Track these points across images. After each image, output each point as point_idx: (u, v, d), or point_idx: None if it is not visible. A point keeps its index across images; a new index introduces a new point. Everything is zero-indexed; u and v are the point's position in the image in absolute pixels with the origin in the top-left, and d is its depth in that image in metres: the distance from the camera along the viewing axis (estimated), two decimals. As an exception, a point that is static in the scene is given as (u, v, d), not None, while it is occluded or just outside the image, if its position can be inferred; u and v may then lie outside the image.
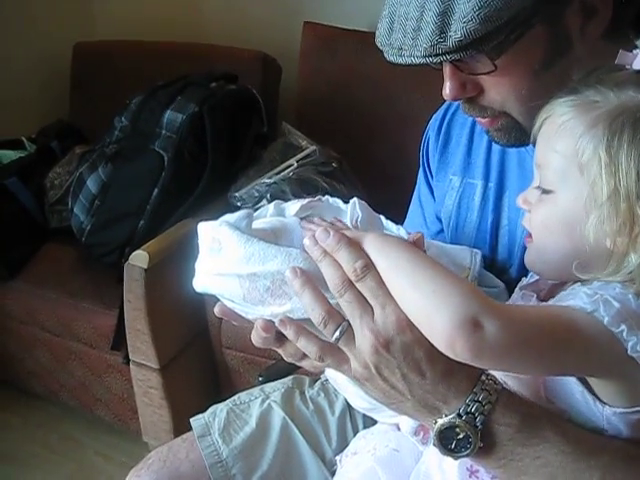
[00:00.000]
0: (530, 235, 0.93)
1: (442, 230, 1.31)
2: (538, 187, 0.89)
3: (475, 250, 1.15)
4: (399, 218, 1.38)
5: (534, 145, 0.92)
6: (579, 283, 0.85)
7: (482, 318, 0.73)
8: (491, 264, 1.20)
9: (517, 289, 1.01)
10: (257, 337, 0.94)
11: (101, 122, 2.50)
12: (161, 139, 2.25)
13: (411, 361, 0.80)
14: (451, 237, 1.27)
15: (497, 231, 1.21)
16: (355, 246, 0.83)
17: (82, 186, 2.33)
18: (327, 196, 1.11)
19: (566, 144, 0.84)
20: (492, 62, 0.95)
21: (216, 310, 0.96)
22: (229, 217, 0.93)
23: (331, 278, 0.84)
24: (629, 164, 0.78)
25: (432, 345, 0.77)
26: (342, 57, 2.56)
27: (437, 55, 0.93)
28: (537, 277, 1.00)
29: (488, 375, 0.82)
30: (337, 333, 0.83)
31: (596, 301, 0.77)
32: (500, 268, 1.19)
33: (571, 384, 0.84)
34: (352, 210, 1.01)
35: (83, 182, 2.33)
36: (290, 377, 1.38)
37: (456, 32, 0.90)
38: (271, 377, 1.40)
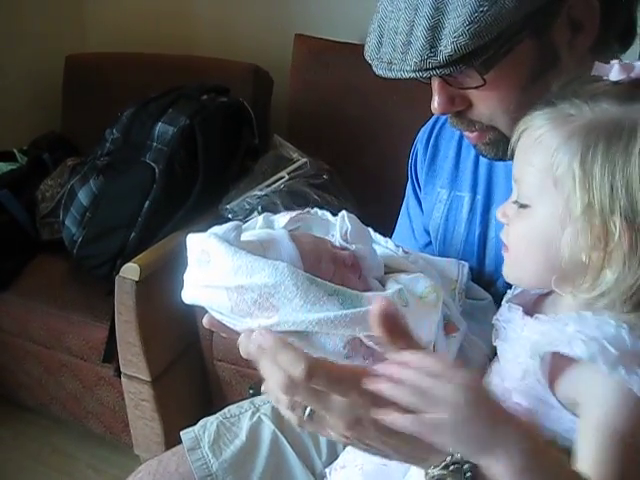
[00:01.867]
0: (506, 246, 0.93)
1: (430, 242, 1.31)
2: (515, 202, 0.89)
3: (462, 262, 1.16)
4: (389, 229, 1.39)
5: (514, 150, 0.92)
6: (566, 303, 0.85)
7: None
8: (479, 276, 1.20)
9: (504, 302, 1.02)
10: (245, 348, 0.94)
11: (93, 134, 2.50)
12: (152, 151, 2.25)
13: (387, 430, 0.75)
14: (439, 249, 1.28)
15: (485, 243, 1.21)
16: (293, 350, 0.75)
17: (73, 198, 2.32)
18: (316, 209, 1.12)
19: (541, 158, 0.84)
20: (481, 76, 0.96)
21: (204, 321, 0.96)
22: (218, 229, 0.94)
23: (275, 380, 0.76)
24: (603, 179, 0.78)
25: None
26: (333, 69, 2.57)
27: (427, 70, 0.94)
28: (522, 288, 1.00)
29: None
30: (306, 414, 0.79)
31: (593, 352, 0.77)
32: (487, 280, 1.20)
33: (559, 411, 0.85)
34: (341, 223, 1.02)
35: (74, 194, 2.33)
36: (280, 390, 1.38)
37: (446, 47, 0.91)
38: (261, 390, 1.40)
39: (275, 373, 0.76)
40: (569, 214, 0.81)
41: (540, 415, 0.86)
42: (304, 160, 2.28)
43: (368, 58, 1.02)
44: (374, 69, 1.01)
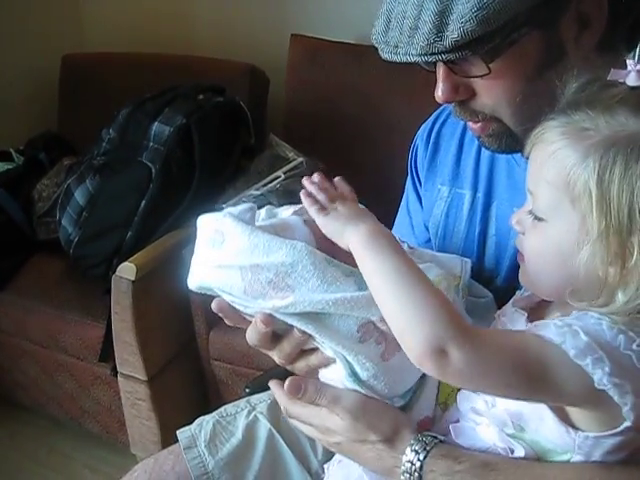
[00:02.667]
0: (522, 255, 0.92)
1: (430, 239, 1.31)
2: (530, 212, 0.88)
3: (465, 259, 1.14)
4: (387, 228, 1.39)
5: (526, 159, 0.91)
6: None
7: (449, 346, 0.77)
8: (478, 274, 1.19)
9: (510, 304, 1.01)
10: (254, 333, 0.94)
11: (89, 134, 2.50)
12: (148, 151, 2.25)
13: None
14: (439, 246, 1.27)
15: (484, 241, 1.21)
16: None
17: (70, 198, 2.32)
18: None
19: (557, 175, 0.82)
20: (486, 65, 0.95)
21: (213, 305, 0.96)
22: (233, 209, 0.93)
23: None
24: (620, 200, 0.77)
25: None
26: (329, 69, 2.57)
27: (433, 54, 0.93)
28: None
29: (425, 433, 0.96)
30: None
31: (564, 333, 0.78)
32: (487, 278, 1.20)
33: (542, 410, 0.85)
34: None
35: (71, 194, 2.33)
36: (277, 389, 1.38)
37: (453, 32, 0.90)
38: (257, 389, 1.40)
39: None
40: (586, 233, 0.80)
41: (527, 419, 0.87)
42: (300, 159, 2.28)
43: (374, 42, 1.01)
44: (380, 53, 1.00)
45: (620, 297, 0.79)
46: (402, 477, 0.93)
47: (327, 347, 0.93)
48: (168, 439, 2.09)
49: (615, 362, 0.76)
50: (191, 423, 1.31)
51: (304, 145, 2.39)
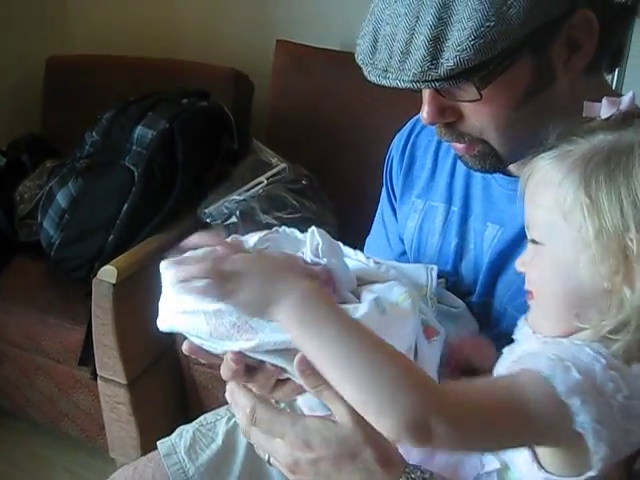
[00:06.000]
0: (531, 293, 0.92)
1: (406, 251, 1.31)
2: (531, 241, 0.89)
3: (430, 266, 1.13)
4: (368, 235, 1.39)
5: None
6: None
7: (431, 420, 0.71)
8: (454, 288, 1.19)
9: (522, 320, 0.99)
10: (227, 370, 0.94)
11: (72, 136, 2.50)
12: (131, 154, 2.24)
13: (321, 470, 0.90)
14: (414, 259, 1.27)
15: (462, 255, 1.21)
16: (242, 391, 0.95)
17: (52, 200, 2.32)
18: (284, 227, 1.12)
19: (547, 196, 0.84)
20: (478, 91, 0.94)
21: (184, 348, 0.95)
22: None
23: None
24: (611, 202, 0.78)
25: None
26: (314, 75, 2.58)
27: (426, 81, 0.92)
28: None
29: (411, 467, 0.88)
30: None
31: (556, 367, 0.77)
32: (463, 292, 1.19)
33: None
34: (311, 238, 1.01)
35: (53, 196, 2.32)
36: (256, 395, 1.38)
37: (448, 60, 0.89)
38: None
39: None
40: (582, 241, 0.81)
41: None
42: (283, 165, 2.28)
43: (360, 62, 0.99)
44: (366, 74, 0.98)
45: (628, 295, 0.79)
46: None
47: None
48: (147, 443, 2.08)
49: (599, 408, 0.76)
50: (171, 428, 1.31)
51: (287, 151, 2.40)
